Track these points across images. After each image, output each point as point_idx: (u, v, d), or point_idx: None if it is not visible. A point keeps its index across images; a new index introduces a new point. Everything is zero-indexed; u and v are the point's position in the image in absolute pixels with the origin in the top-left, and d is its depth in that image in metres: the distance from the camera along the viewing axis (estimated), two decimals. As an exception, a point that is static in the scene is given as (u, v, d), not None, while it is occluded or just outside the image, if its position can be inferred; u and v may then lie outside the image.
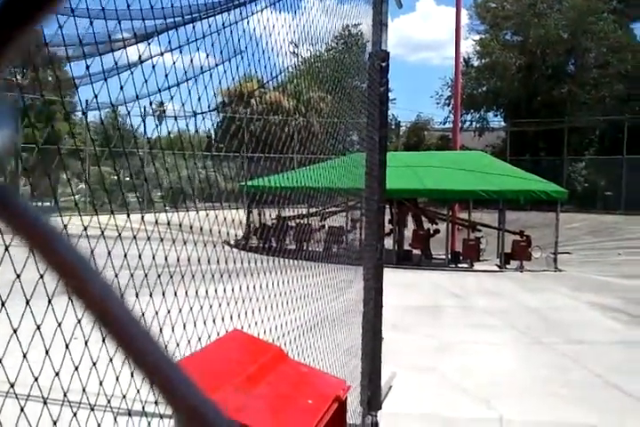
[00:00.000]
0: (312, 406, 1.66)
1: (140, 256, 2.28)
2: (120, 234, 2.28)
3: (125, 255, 2.22)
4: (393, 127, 43.19)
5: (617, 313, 9.74)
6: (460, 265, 15.53)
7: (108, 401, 2.17)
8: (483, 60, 37.39)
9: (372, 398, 4.57)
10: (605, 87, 32.52)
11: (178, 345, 2.16)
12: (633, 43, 33.52)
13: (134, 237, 2.32)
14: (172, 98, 2.57)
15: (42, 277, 1.39)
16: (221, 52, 2.90)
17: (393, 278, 11.01)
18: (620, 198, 28.41)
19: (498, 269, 15.24)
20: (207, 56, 2.90)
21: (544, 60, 34.03)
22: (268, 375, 1.72)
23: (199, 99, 2.76)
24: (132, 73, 2.39)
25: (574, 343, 7.88)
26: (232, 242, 4.94)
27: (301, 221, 7.98)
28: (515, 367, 6.78)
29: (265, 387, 1.66)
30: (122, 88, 2.34)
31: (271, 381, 1.70)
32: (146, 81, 2.44)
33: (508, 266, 15.37)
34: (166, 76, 2.60)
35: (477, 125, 37.55)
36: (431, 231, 16.54)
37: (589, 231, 23.10)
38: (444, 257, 16.13)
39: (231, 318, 2.41)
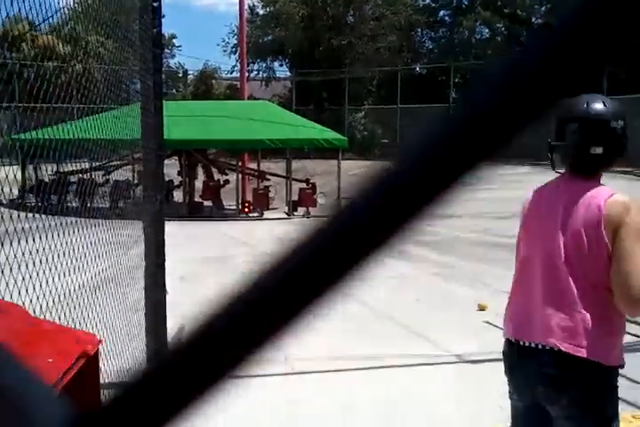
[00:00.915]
0: (53, 365, 1.62)
1: None
2: None
3: None
4: (180, 76, 42.07)
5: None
6: (250, 215, 15.89)
7: None
8: (268, 9, 37.46)
9: (157, 352, 4.63)
10: (381, 39, 34.28)
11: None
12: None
13: None
14: None
15: None
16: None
17: (183, 231, 11.00)
18: (396, 145, 30.61)
19: (286, 216, 15.84)
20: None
21: (325, 11, 34.91)
22: (1, 337, 1.63)
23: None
24: None
25: (352, 281, 8.55)
26: (5, 202, 4.64)
27: (83, 176, 7.63)
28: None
29: None
30: None
31: (5, 342, 1.63)
32: None
33: (295, 213, 16.02)
34: None
35: (264, 75, 37.88)
36: (221, 182, 16.65)
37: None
38: (234, 208, 16.37)
39: None
